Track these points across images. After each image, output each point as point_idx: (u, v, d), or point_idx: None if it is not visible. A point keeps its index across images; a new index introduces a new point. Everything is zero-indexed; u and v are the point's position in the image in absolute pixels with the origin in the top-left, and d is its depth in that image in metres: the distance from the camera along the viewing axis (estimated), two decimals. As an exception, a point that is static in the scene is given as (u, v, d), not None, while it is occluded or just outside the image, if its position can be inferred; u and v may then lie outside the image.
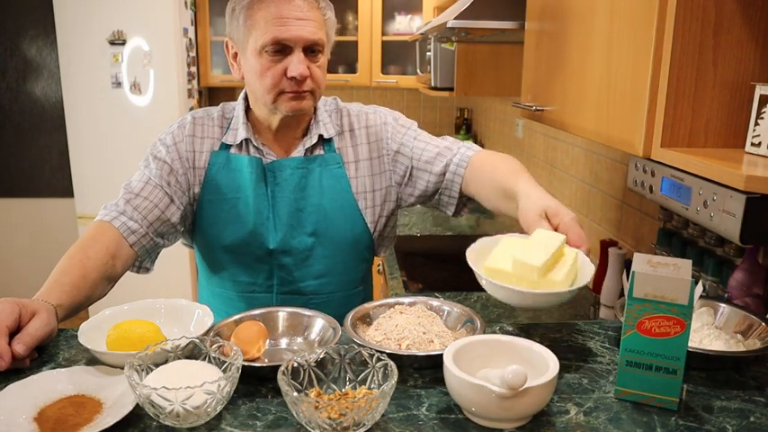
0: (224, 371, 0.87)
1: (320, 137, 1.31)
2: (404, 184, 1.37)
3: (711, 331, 1.04)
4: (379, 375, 0.86)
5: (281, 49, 1.18)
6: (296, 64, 1.18)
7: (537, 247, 0.97)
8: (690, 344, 1.01)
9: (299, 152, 1.30)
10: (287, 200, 1.29)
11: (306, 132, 1.32)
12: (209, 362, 0.90)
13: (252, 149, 1.29)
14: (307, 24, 1.18)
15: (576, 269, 0.99)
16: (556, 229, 1.02)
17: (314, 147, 1.31)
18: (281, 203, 1.29)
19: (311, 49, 1.20)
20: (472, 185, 1.30)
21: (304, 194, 1.29)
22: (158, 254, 1.33)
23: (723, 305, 1.10)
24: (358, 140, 1.35)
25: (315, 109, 1.33)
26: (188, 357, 0.91)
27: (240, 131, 1.29)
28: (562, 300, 0.96)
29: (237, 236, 1.29)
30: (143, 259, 1.29)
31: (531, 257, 0.95)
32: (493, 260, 1.01)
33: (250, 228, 1.29)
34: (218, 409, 0.83)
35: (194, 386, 0.78)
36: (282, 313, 1.09)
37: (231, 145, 1.30)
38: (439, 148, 1.33)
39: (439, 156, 1.32)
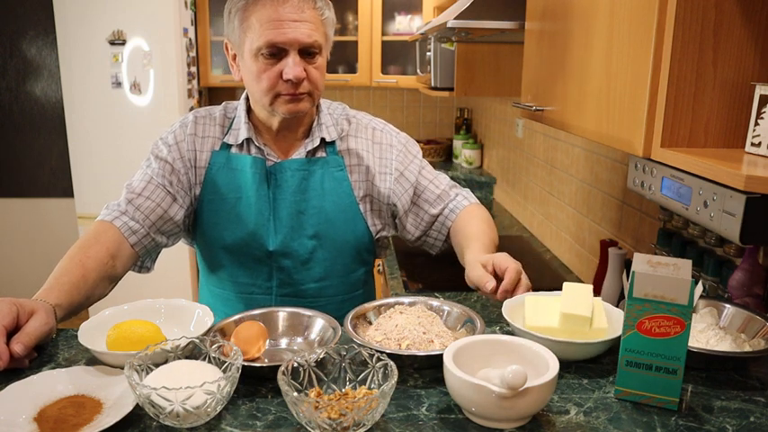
0: (224, 371, 0.87)
1: (322, 139, 1.31)
2: (404, 212, 1.38)
3: (717, 332, 1.05)
4: (379, 375, 0.86)
5: (277, 51, 1.17)
6: (291, 67, 1.16)
7: (575, 299, 1.04)
8: (697, 345, 1.02)
9: (300, 154, 1.29)
10: (287, 202, 1.28)
11: (307, 134, 1.32)
12: (209, 362, 0.90)
13: (253, 150, 1.29)
14: (302, 26, 1.16)
15: (602, 312, 1.06)
16: (502, 275, 1.11)
17: (316, 149, 1.31)
18: (282, 205, 1.28)
19: (307, 52, 1.19)
20: (451, 233, 1.37)
21: (305, 196, 1.29)
22: (159, 253, 1.33)
23: (728, 306, 1.10)
24: (362, 147, 1.34)
25: (317, 111, 1.33)
26: (188, 357, 0.91)
27: (242, 131, 1.29)
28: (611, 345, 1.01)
29: (237, 236, 1.29)
30: (144, 259, 1.29)
31: (578, 309, 1.01)
32: (533, 319, 1.05)
33: (250, 228, 1.28)
34: (218, 409, 0.83)
35: (194, 386, 0.78)
36: (282, 313, 1.09)
37: (232, 145, 1.30)
38: (440, 189, 1.39)
39: (439, 198, 1.38)
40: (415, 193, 1.37)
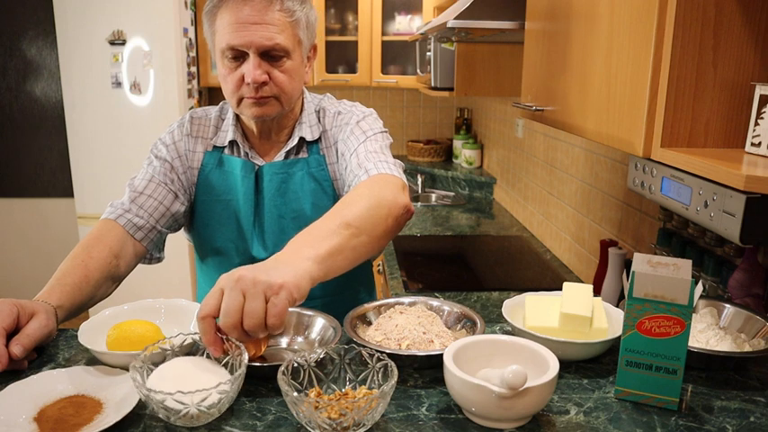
0: (230, 371, 0.87)
1: (303, 139, 1.28)
2: None
3: (717, 332, 1.05)
4: (379, 375, 0.86)
5: (239, 54, 1.16)
6: (250, 70, 1.15)
7: (575, 299, 1.04)
8: (697, 345, 1.02)
9: (279, 156, 1.28)
10: (269, 206, 1.27)
11: (291, 135, 1.30)
12: (207, 358, 0.90)
13: (241, 152, 1.29)
14: (262, 29, 1.14)
15: (603, 312, 1.06)
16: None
17: (298, 150, 1.29)
18: (264, 210, 1.28)
19: (270, 55, 1.16)
20: None
21: (284, 200, 1.27)
22: (164, 241, 1.32)
23: (728, 306, 1.10)
24: (330, 141, 1.30)
25: (301, 110, 1.31)
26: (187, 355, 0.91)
27: (228, 134, 1.28)
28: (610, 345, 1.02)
29: (225, 239, 1.29)
30: (152, 251, 1.28)
31: (578, 309, 1.02)
32: (533, 319, 1.05)
33: (237, 233, 1.28)
34: (227, 406, 0.83)
35: (209, 388, 0.78)
36: (282, 313, 1.09)
37: (224, 146, 1.30)
38: (351, 166, 1.20)
39: (350, 173, 1.20)
40: (344, 171, 1.24)
